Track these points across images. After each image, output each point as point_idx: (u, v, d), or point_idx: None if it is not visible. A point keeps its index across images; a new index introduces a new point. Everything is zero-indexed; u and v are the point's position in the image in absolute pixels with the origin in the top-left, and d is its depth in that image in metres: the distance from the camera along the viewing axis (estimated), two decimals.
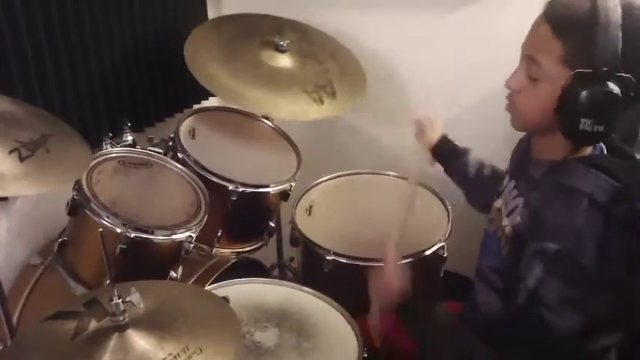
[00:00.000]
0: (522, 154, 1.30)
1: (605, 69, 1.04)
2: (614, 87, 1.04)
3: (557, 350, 1.10)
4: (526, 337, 1.11)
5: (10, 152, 1.25)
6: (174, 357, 1.00)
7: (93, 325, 1.07)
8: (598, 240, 1.05)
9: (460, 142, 2.22)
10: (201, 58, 1.82)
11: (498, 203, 1.32)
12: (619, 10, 1.04)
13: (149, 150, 1.70)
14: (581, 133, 1.07)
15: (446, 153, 1.66)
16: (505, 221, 1.24)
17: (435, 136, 1.67)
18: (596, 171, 1.09)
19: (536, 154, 1.24)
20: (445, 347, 1.24)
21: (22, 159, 1.26)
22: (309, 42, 2.01)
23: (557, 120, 1.10)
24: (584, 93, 1.05)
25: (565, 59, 1.08)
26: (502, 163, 1.54)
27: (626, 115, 1.07)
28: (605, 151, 1.18)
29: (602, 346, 1.13)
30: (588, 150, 1.17)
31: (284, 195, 1.82)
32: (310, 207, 1.89)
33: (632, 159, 1.19)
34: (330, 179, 1.97)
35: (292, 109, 1.85)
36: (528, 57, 1.14)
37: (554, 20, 1.09)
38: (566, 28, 1.08)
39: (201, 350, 1.02)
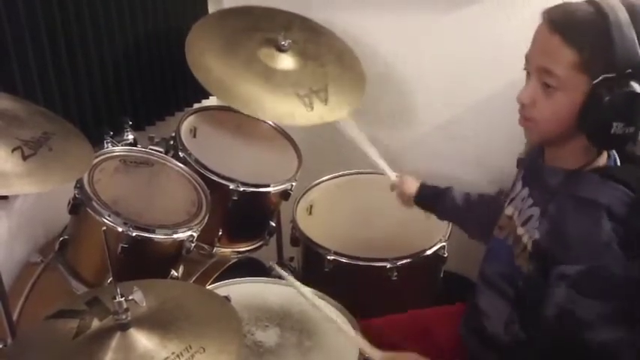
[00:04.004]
0: (533, 161, 1.28)
1: (630, 70, 1.03)
2: (638, 87, 1.03)
3: None
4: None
5: (13, 150, 1.25)
6: (177, 356, 1.00)
7: (95, 323, 1.07)
8: (623, 249, 1.05)
9: (461, 142, 2.24)
10: (201, 50, 1.79)
11: (509, 211, 1.30)
12: (625, 11, 1.03)
13: (150, 149, 1.70)
14: (613, 137, 1.06)
15: (429, 198, 1.63)
16: (520, 230, 1.22)
17: (412, 188, 1.64)
18: (612, 182, 1.08)
19: (550, 161, 1.21)
20: None
21: (24, 157, 1.25)
22: (315, 42, 1.97)
23: (582, 127, 1.09)
24: (613, 97, 1.03)
25: (581, 65, 1.06)
26: (503, 163, 1.54)
27: None
28: (618, 159, 1.17)
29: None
30: (603, 159, 1.16)
31: (285, 194, 1.82)
32: (311, 206, 1.89)
33: None
34: (330, 179, 1.98)
35: (279, 112, 1.80)
36: (541, 69, 1.11)
37: (563, 28, 1.07)
38: (578, 34, 1.06)
39: (204, 349, 1.02)
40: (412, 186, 1.65)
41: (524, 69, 1.17)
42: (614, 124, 1.05)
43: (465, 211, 1.56)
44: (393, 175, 1.71)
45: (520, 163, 1.39)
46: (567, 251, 1.10)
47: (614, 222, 1.06)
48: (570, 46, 1.06)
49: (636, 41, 1.03)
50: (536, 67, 1.12)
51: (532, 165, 1.30)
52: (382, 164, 1.73)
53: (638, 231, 1.06)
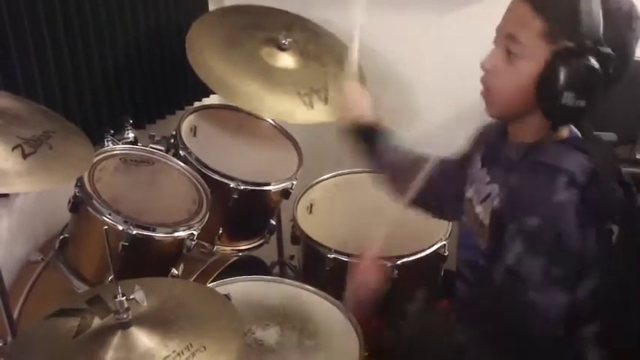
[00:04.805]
0: (494, 141, 1.27)
1: (589, 43, 1.03)
2: (594, 62, 1.04)
3: (538, 337, 1.09)
4: (511, 323, 1.11)
5: (13, 149, 1.25)
6: (178, 354, 1.00)
7: (96, 322, 1.07)
8: (577, 216, 1.05)
9: (462, 142, 2.24)
10: (202, 47, 1.80)
11: (469, 194, 1.29)
12: None
13: (151, 147, 1.70)
14: (563, 107, 1.06)
15: (368, 132, 1.50)
16: (478, 208, 1.22)
17: (365, 106, 1.51)
18: (577, 152, 1.09)
19: (513, 137, 1.21)
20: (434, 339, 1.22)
21: (24, 156, 1.25)
22: (316, 43, 1.98)
23: (537, 96, 1.09)
24: (567, 66, 1.04)
25: (546, 34, 1.07)
26: None
27: (606, 94, 1.07)
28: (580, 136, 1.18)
29: (580, 337, 1.13)
30: (565, 133, 1.16)
31: (285, 193, 1.82)
32: (311, 205, 1.89)
33: (603, 144, 1.18)
34: (331, 178, 1.98)
35: (279, 109, 1.80)
36: (507, 35, 1.12)
37: None
38: (547, 3, 1.07)
39: (204, 348, 1.02)
40: (362, 107, 1.51)
41: (493, 42, 1.17)
42: (565, 93, 1.04)
43: (396, 161, 1.49)
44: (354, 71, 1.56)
45: (480, 137, 1.38)
46: (522, 207, 1.09)
47: (574, 187, 1.06)
48: (538, 14, 1.07)
49: (601, 17, 1.04)
50: (504, 34, 1.13)
51: (492, 145, 1.28)
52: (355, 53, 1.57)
53: (594, 201, 1.06)
